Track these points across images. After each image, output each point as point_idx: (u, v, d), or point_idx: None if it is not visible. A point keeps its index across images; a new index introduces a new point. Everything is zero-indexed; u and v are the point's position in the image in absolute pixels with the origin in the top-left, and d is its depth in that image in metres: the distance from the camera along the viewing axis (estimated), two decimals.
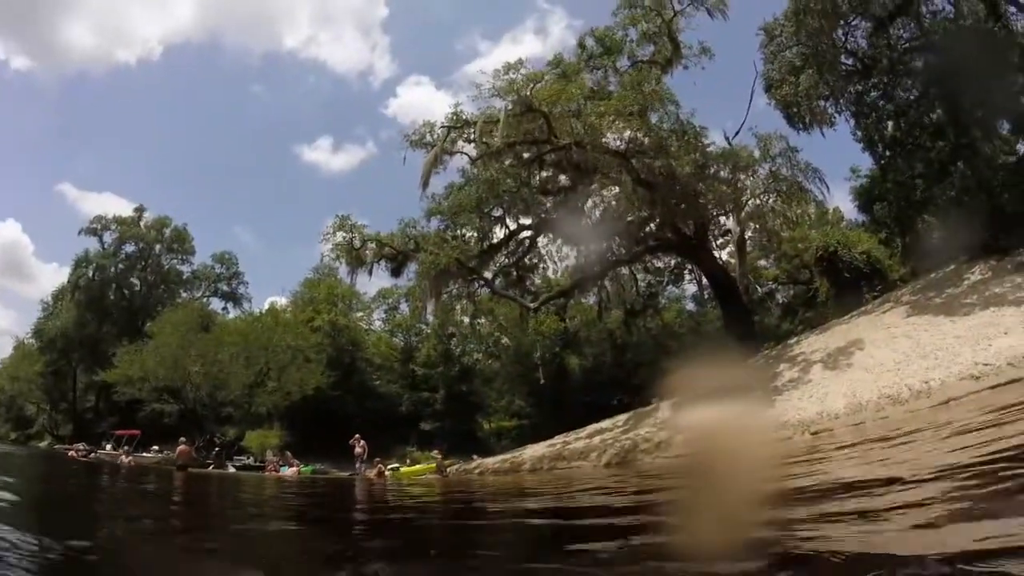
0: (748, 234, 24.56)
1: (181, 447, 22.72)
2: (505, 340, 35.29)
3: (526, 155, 19.74)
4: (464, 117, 19.34)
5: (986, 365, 11.63)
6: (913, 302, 18.60)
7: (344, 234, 20.89)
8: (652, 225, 21.84)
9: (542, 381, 31.03)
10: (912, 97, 22.47)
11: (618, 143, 18.51)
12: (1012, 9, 20.56)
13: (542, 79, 18.24)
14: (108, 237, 51.57)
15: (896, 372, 13.26)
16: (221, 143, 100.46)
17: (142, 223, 52.59)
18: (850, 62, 23.28)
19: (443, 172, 21.29)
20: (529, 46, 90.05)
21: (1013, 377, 10.69)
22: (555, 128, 18.26)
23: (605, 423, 21.23)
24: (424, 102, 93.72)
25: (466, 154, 20.32)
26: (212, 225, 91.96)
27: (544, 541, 5.44)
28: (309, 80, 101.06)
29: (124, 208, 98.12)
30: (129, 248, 52.16)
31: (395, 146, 20.92)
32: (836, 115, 23.50)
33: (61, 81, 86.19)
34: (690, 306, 36.43)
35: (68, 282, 51.60)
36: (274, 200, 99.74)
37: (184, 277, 52.56)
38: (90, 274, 50.56)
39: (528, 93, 17.82)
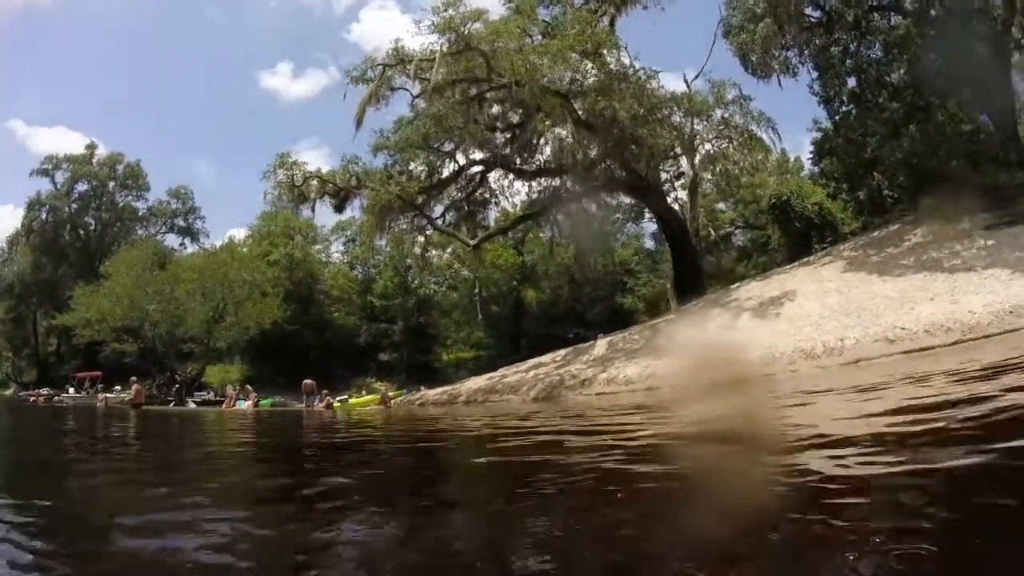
0: (708, 177, 25.80)
1: (135, 386, 24.43)
2: (465, 272, 36.50)
3: (472, 92, 20.51)
4: (404, 53, 19.90)
5: (903, 329, 12.18)
6: (852, 258, 19.45)
7: (285, 172, 21.71)
8: (603, 164, 22.78)
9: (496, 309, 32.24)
10: (874, 56, 23.31)
11: (560, 83, 19.26)
12: None
13: (481, 17, 18.79)
14: (60, 177, 51.79)
15: (817, 327, 13.89)
16: (175, 70, 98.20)
17: (94, 160, 52.58)
18: (817, 14, 23.96)
19: (387, 107, 21.97)
20: None
21: (926, 344, 11.36)
22: (495, 66, 19.00)
23: (545, 357, 22.37)
24: (388, 27, 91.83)
25: (408, 91, 21.02)
26: (168, 156, 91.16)
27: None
28: (269, 2, 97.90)
29: (77, 142, 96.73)
30: (82, 187, 52.48)
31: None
32: (799, 66, 24.46)
33: (6, 13, 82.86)
34: (649, 244, 37.89)
35: (22, 226, 52.03)
36: (232, 129, 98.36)
37: (140, 214, 53.13)
38: (43, 216, 50.98)
39: (466, 31, 18.44)
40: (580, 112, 19.90)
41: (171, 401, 29.44)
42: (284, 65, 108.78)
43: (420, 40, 19.81)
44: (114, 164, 52.89)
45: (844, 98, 23.68)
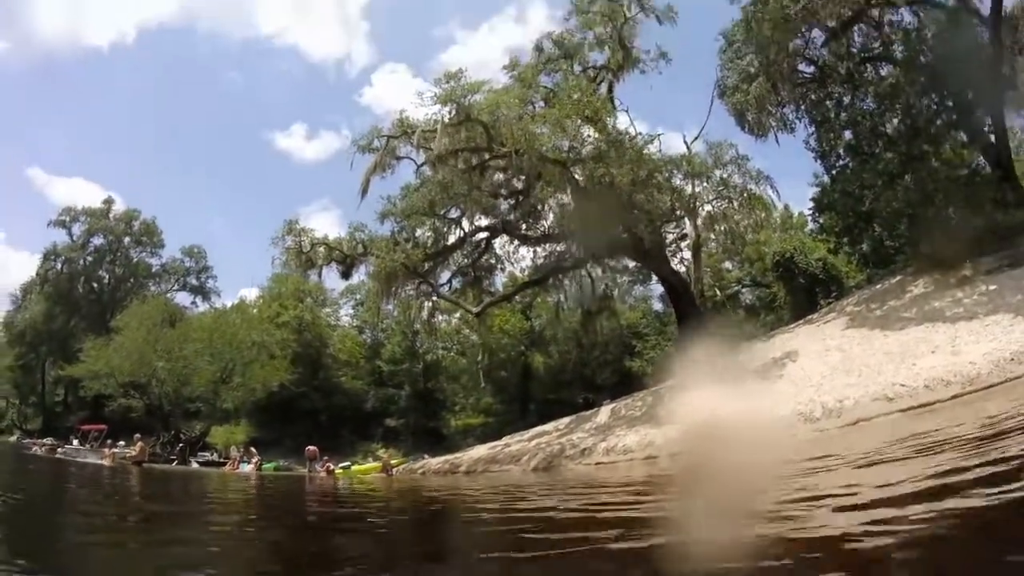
0: (712, 237, 26.19)
1: (139, 444, 24.80)
2: (474, 337, 37.01)
3: (474, 161, 21.32)
4: (408, 124, 20.81)
5: (903, 386, 12.01)
6: (855, 313, 19.39)
7: (293, 238, 22.48)
8: (605, 229, 23.31)
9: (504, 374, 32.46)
10: (868, 107, 23.93)
11: (559, 151, 19.99)
12: (975, 21, 21.97)
13: (480, 89, 19.74)
14: (77, 229, 53.41)
15: (817, 388, 13.71)
16: (194, 130, 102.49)
17: (111, 215, 54.34)
18: (810, 70, 24.75)
19: (393, 175, 22.82)
20: (507, 35, 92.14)
21: (926, 400, 11.17)
22: (496, 136, 19.80)
23: (548, 426, 22.48)
24: (399, 90, 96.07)
25: (412, 159, 21.88)
26: (184, 213, 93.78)
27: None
28: (284, 67, 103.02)
29: (94, 194, 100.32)
30: (98, 240, 54.02)
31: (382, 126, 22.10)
32: (796, 121, 25.12)
33: (31, 64, 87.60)
34: (658, 306, 38.12)
35: (37, 275, 53.49)
36: (247, 189, 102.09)
37: (153, 270, 54.57)
38: (59, 267, 52.48)
39: (466, 103, 19.34)
40: (579, 179, 20.54)
41: (174, 460, 29.59)
42: (298, 127, 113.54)
43: (424, 111, 20.72)
44: (130, 220, 54.69)
45: (840, 151, 24.18)
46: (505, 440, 22.81)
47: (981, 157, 22.20)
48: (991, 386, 10.89)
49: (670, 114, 68.24)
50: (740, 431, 12.80)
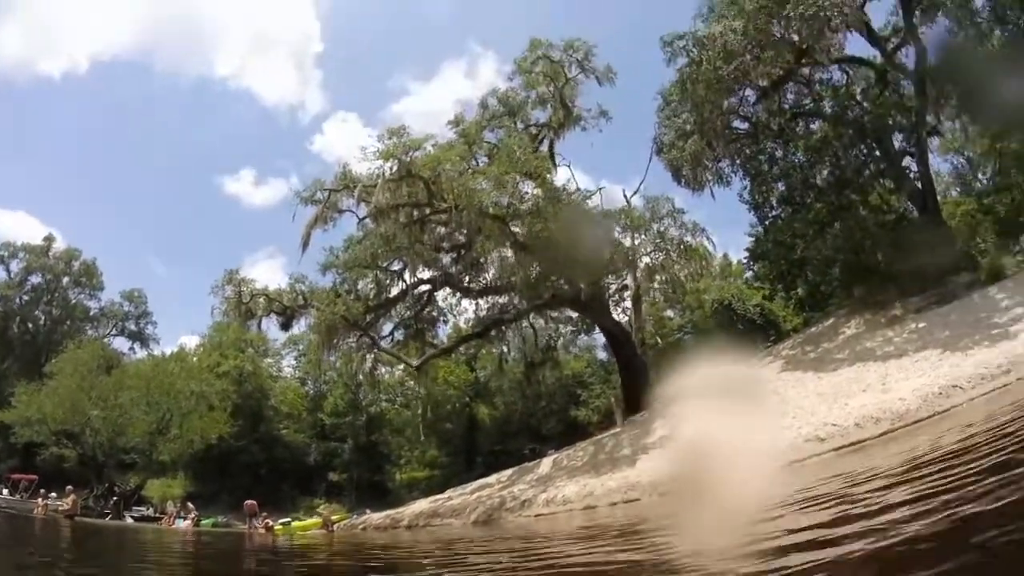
0: (653, 286, 27.08)
1: (71, 496, 23.95)
2: (420, 388, 37.11)
3: (415, 215, 21.78)
4: (351, 177, 21.24)
5: (834, 426, 12.45)
6: (790, 357, 20.33)
7: (233, 288, 22.45)
8: (545, 282, 23.94)
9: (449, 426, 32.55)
10: (799, 160, 25.38)
11: (498, 207, 20.62)
12: (901, 76, 23.69)
13: (421, 146, 20.33)
14: (15, 266, 51.44)
15: (751, 431, 13.74)
16: (142, 167, 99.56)
17: (51, 253, 52.77)
18: (744, 126, 26.16)
19: (335, 227, 23.13)
20: (458, 87, 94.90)
21: (856, 439, 11.73)
22: (437, 191, 20.36)
23: (491, 478, 22.71)
24: (350, 139, 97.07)
25: (355, 213, 22.26)
26: (126, 252, 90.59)
27: None
28: (238, 110, 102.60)
29: (35, 229, 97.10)
30: (36, 279, 52.09)
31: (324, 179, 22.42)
32: (732, 175, 26.42)
33: None
34: (602, 355, 38.82)
35: None
36: (193, 232, 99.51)
37: (91, 314, 52.72)
38: None
39: (407, 158, 19.91)
40: (519, 234, 21.17)
41: (108, 514, 28.57)
42: (248, 171, 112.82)
43: (367, 165, 21.23)
44: (70, 259, 53.03)
45: (773, 202, 25.38)
46: (448, 493, 22.89)
47: (909, 202, 23.63)
48: (919, 421, 11.43)
49: (612, 168, 70.49)
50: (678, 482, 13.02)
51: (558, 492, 17.18)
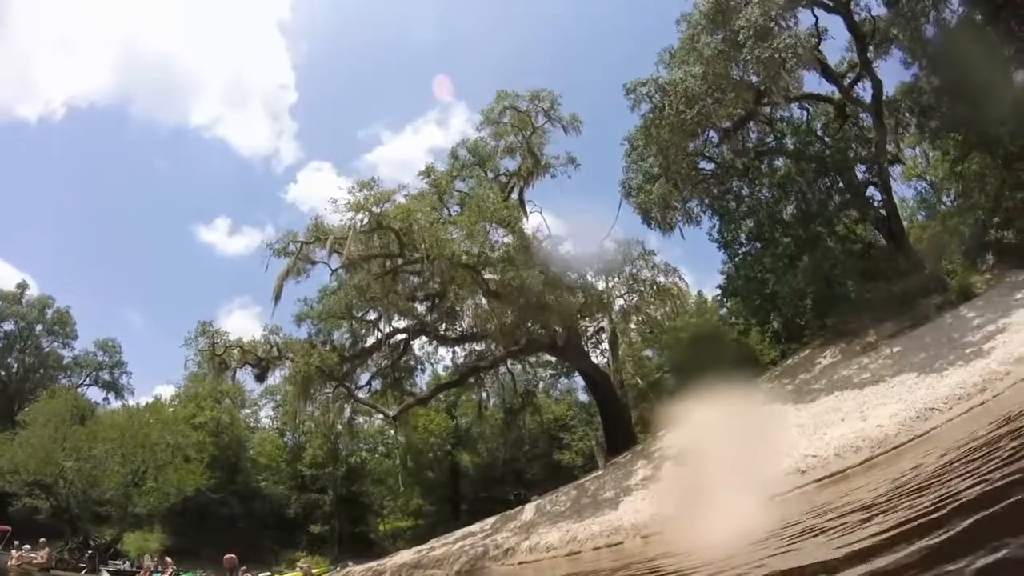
0: (631, 327, 27.44)
1: (44, 549, 23.60)
2: (401, 437, 37.07)
3: (387, 265, 22.07)
4: (322, 230, 21.52)
5: (814, 457, 12.58)
6: (768, 390, 20.51)
7: (206, 340, 22.50)
8: (520, 328, 24.23)
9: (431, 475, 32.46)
10: (765, 197, 26.08)
11: (469, 256, 20.96)
12: (859, 109, 24.51)
13: (390, 198, 20.71)
14: None
15: (734, 467, 13.40)
16: (116, 215, 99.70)
17: (24, 300, 52.50)
18: (710, 167, 26.86)
19: (308, 279, 23.34)
20: (430, 136, 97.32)
21: (836, 469, 11.79)
22: (408, 242, 20.71)
23: (475, 526, 22.74)
24: (323, 189, 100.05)
25: (327, 264, 22.50)
26: (99, 301, 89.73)
27: None
28: (212, 159, 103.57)
29: (7, 274, 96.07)
30: (8, 326, 51.57)
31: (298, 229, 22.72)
32: (701, 214, 27.04)
33: None
34: (583, 397, 39.05)
35: None
36: (167, 280, 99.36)
37: (64, 362, 52.13)
38: None
39: (378, 210, 20.29)
40: (491, 282, 21.52)
41: (83, 568, 27.98)
42: (222, 220, 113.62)
43: (338, 216, 21.52)
44: (43, 307, 52.58)
45: (743, 239, 26.13)
46: (431, 543, 22.89)
47: (876, 230, 24.42)
48: (899, 446, 11.52)
49: (584, 212, 71.13)
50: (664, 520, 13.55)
51: (541, 539, 17.31)
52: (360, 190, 20.74)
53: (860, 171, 24.65)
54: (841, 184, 24.34)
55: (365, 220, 20.58)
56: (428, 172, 24.76)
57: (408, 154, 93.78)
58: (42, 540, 24.92)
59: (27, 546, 28.74)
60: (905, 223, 26.36)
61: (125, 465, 35.53)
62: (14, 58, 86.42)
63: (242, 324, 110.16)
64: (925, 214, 30.63)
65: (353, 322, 24.07)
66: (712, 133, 25.28)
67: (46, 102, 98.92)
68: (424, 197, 22.57)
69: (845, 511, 7.59)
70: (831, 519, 7.33)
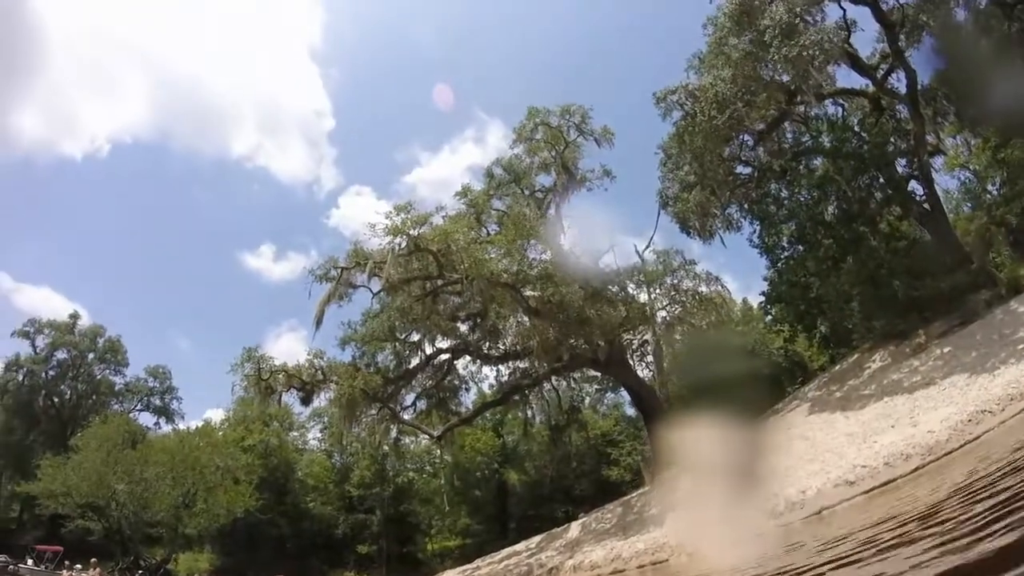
0: (677, 338, 27.14)
1: (96, 568, 24.51)
2: (448, 457, 37.39)
3: (427, 287, 22.36)
4: (362, 255, 21.91)
5: (864, 467, 12.18)
6: (816, 398, 20.21)
7: (252, 365, 23.07)
8: (563, 344, 24.22)
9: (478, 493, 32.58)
10: (804, 198, 25.53)
11: (508, 274, 21.12)
12: (894, 101, 23.87)
13: (427, 221, 21.03)
14: (41, 341, 53.07)
15: (782, 480, 13.64)
16: (163, 246, 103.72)
17: (76, 330, 54.52)
18: (747, 170, 26.50)
19: (350, 303, 23.78)
20: (467, 154, 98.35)
21: (887, 479, 11.39)
22: (447, 263, 20.97)
23: (520, 545, 22.92)
24: (364, 212, 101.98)
25: (368, 288, 22.90)
26: (150, 328, 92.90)
27: None
28: (255, 188, 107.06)
29: (60, 304, 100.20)
30: (61, 355, 53.59)
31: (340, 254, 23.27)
32: (741, 220, 26.66)
33: (8, 166, 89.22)
34: (630, 411, 38.66)
35: None
36: (215, 307, 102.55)
37: (116, 389, 54.09)
38: (20, 379, 51.96)
39: (415, 233, 20.61)
40: (531, 299, 21.60)
41: None
42: (267, 247, 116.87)
43: (377, 240, 21.91)
44: (95, 336, 54.70)
45: (784, 243, 25.58)
46: (476, 563, 23.05)
47: (920, 226, 23.65)
48: (950, 452, 11.13)
49: (625, 223, 71.10)
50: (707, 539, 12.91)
51: (585, 557, 17.37)
52: (397, 214, 21.11)
53: (900, 165, 23.95)
54: (881, 180, 23.63)
55: (403, 243, 20.88)
56: (464, 192, 25.10)
57: (447, 173, 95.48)
58: (93, 560, 25.95)
59: (78, 566, 29.89)
60: (951, 216, 25.61)
61: (176, 487, 36.61)
62: (57, 98, 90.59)
63: (291, 347, 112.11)
64: (971, 205, 29.54)
65: (396, 344, 24.46)
66: (746, 136, 25.12)
67: (91, 139, 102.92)
68: (461, 218, 22.87)
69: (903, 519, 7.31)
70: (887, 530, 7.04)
